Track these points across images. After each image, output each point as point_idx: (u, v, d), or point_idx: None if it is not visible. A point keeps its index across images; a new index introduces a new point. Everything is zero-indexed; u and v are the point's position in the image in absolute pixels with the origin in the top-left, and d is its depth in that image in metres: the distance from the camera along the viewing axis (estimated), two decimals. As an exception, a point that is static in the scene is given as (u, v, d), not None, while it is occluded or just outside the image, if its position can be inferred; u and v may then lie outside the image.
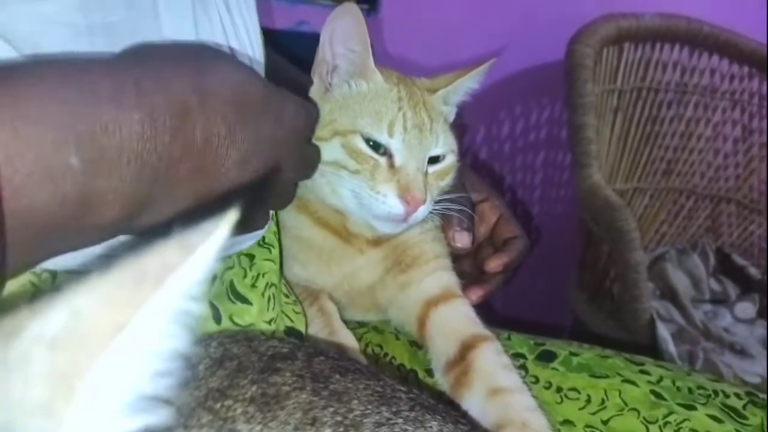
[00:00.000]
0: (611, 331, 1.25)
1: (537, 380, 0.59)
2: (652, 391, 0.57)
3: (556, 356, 0.61)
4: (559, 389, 0.58)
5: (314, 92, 0.59)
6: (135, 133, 0.33)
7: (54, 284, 0.42)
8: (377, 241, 0.62)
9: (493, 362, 0.56)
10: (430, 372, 0.60)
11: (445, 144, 0.61)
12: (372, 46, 0.58)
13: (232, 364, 0.39)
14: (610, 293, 1.26)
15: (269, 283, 0.56)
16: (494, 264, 0.64)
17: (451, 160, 0.62)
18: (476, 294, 0.64)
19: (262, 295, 0.54)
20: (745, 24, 1.42)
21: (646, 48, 1.43)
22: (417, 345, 0.63)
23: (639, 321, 1.16)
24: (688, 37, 1.41)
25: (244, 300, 0.53)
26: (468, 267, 0.68)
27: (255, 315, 0.53)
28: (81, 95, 0.32)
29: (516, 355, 0.61)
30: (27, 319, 0.18)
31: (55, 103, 0.30)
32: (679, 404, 0.56)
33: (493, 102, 1.51)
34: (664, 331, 1.16)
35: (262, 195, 0.45)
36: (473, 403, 0.54)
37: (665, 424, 0.54)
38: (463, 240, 0.63)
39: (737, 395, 0.58)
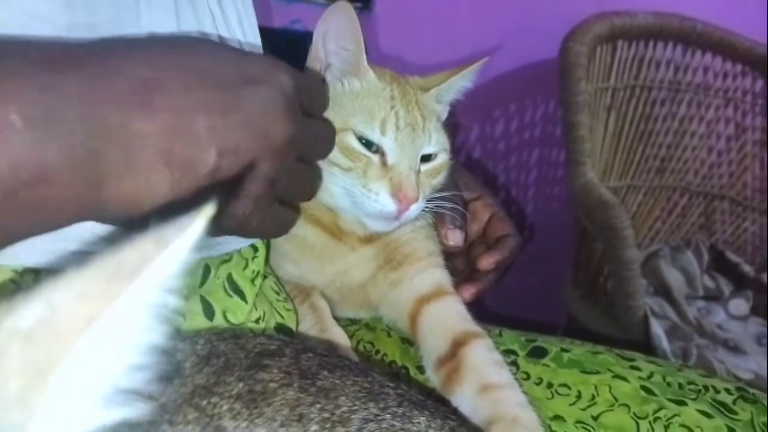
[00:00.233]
0: (605, 328, 1.25)
1: (528, 376, 0.59)
2: (643, 387, 0.57)
3: (547, 352, 0.61)
4: (549, 385, 0.58)
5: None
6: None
7: (36, 283, 0.41)
8: (369, 239, 0.62)
9: (484, 359, 0.56)
10: (421, 369, 0.60)
11: (437, 142, 0.61)
12: (365, 45, 0.58)
13: (218, 361, 0.39)
14: (604, 290, 1.27)
15: (260, 277, 0.56)
16: (486, 262, 0.64)
17: (443, 158, 0.62)
18: (469, 292, 0.64)
19: (256, 294, 0.54)
20: (741, 22, 1.42)
21: (640, 46, 1.43)
22: (408, 342, 0.63)
23: (633, 318, 1.17)
24: (681, 35, 1.42)
25: (241, 295, 0.53)
26: (460, 265, 0.68)
27: (246, 313, 0.53)
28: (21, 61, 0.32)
29: (507, 352, 0.61)
30: (4, 313, 0.18)
31: None
32: (669, 400, 0.56)
33: (487, 100, 1.51)
34: (657, 328, 1.17)
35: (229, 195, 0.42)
36: (464, 399, 0.54)
37: (655, 419, 0.54)
38: (455, 238, 0.64)
39: (727, 390, 0.59)
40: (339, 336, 0.59)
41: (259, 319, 0.54)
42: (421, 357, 0.59)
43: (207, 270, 0.51)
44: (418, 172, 0.59)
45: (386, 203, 0.56)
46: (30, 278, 0.41)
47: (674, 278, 1.37)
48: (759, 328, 1.31)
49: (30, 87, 0.32)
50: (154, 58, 0.36)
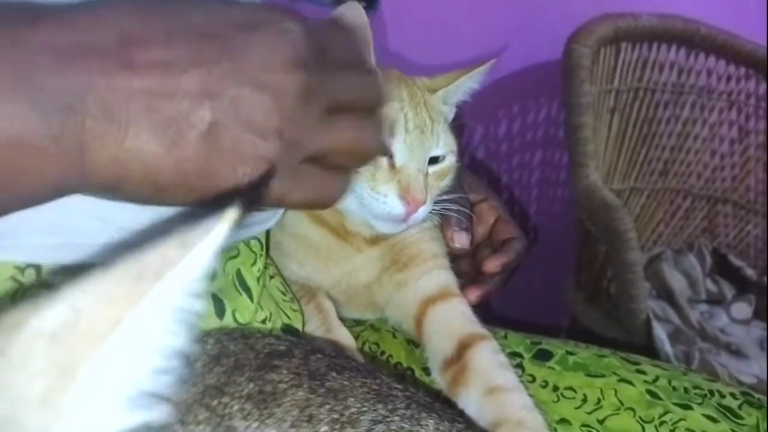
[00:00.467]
0: (608, 330, 1.25)
1: (533, 379, 0.59)
2: (648, 391, 0.57)
3: (553, 355, 0.61)
4: (555, 388, 0.58)
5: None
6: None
7: (39, 279, 0.41)
8: (375, 240, 0.62)
9: (490, 361, 0.56)
10: (427, 370, 0.60)
11: (445, 144, 0.61)
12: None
13: (229, 361, 0.39)
14: (607, 293, 1.27)
15: (263, 277, 0.56)
16: (492, 265, 0.65)
17: (450, 160, 0.62)
18: (474, 294, 0.64)
19: (260, 294, 0.54)
20: (743, 24, 1.42)
21: (643, 48, 1.43)
22: (414, 343, 0.63)
23: (635, 321, 1.17)
24: (685, 37, 1.42)
25: (249, 293, 0.53)
26: (466, 267, 0.68)
27: (252, 312, 0.52)
28: None
29: (512, 354, 0.61)
30: (28, 314, 0.18)
31: None
32: (675, 404, 0.56)
33: (491, 101, 1.51)
34: (660, 331, 1.17)
35: None
36: (470, 401, 0.54)
37: (661, 423, 0.54)
38: (461, 240, 0.64)
39: (733, 395, 0.59)
40: (344, 337, 0.59)
41: (265, 319, 0.54)
42: (426, 359, 0.60)
43: (215, 270, 0.51)
44: (426, 174, 0.59)
45: (394, 205, 0.56)
46: (32, 274, 0.41)
47: (677, 281, 1.37)
48: (761, 332, 1.31)
49: None
50: (133, 9, 0.33)
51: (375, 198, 0.56)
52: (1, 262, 0.40)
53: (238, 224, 0.19)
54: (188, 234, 0.19)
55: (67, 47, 0.30)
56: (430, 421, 0.41)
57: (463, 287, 0.64)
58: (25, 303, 0.19)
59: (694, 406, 0.56)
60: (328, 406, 0.38)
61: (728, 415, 0.56)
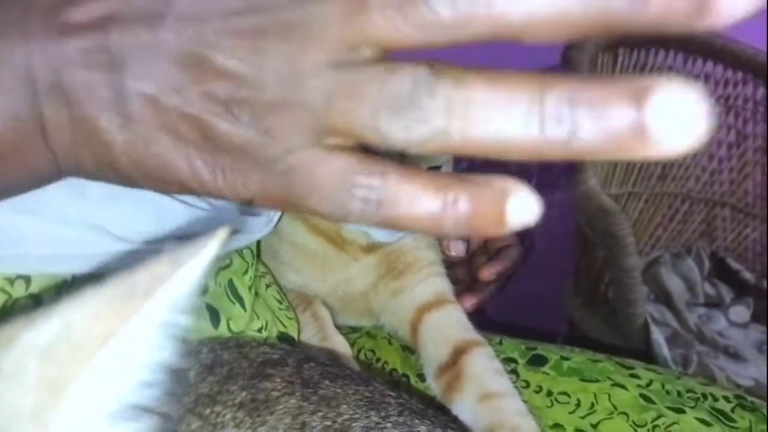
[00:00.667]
0: (606, 335, 1.25)
1: (528, 385, 0.60)
2: (642, 395, 0.58)
3: (547, 360, 0.62)
4: (549, 393, 0.59)
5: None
6: None
7: (28, 290, 0.41)
8: (371, 248, 0.63)
9: (484, 367, 0.57)
10: (422, 377, 0.60)
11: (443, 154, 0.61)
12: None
13: (222, 370, 0.40)
14: (605, 298, 1.27)
15: (254, 286, 0.56)
16: (488, 273, 0.65)
17: (448, 169, 0.62)
18: (470, 302, 0.65)
19: (252, 303, 0.55)
20: (741, 30, 1.43)
21: (641, 54, 1.44)
22: (410, 350, 0.64)
23: (633, 325, 1.17)
24: (682, 43, 1.42)
25: (241, 302, 0.53)
26: (462, 274, 0.68)
27: (246, 322, 0.53)
28: None
29: (507, 360, 0.62)
30: (22, 328, 0.19)
31: None
32: (668, 408, 0.57)
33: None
34: (658, 335, 1.17)
35: None
36: (464, 407, 0.55)
37: (654, 427, 0.55)
38: (457, 248, 0.65)
39: (726, 398, 0.59)
40: (340, 344, 0.60)
41: (261, 328, 0.54)
42: (421, 365, 0.60)
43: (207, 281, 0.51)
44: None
45: None
46: (21, 286, 0.41)
47: (675, 285, 1.37)
48: (759, 335, 1.31)
49: None
50: None
51: None
52: None
53: (228, 243, 0.20)
54: (178, 252, 0.19)
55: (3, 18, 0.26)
56: (423, 427, 0.41)
57: (459, 294, 0.64)
58: (19, 317, 0.19)
59: (687, 409, 0.57)
60: (320, 414, 0.38)
61: (721, 418, 0.56)
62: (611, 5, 0.21)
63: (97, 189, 0.39)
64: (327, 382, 0.41)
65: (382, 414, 0.41)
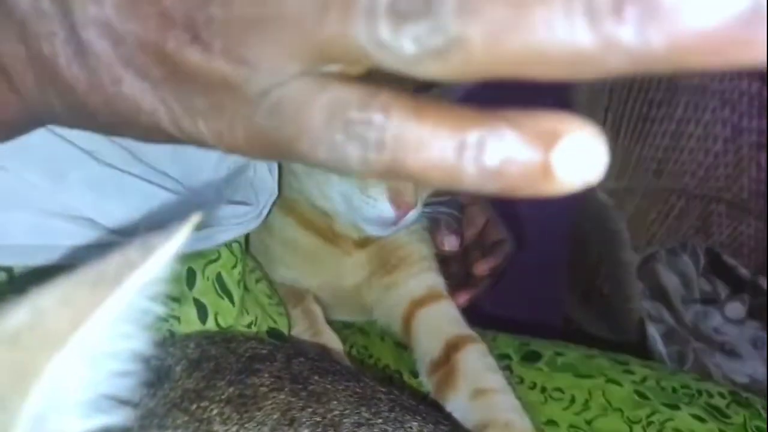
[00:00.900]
0: (602, 331, 1.25)
1: (522, 381, 0.59)
2: (636, 391, 0.57)
3: (541, 356, 0.61)
4: (543, 389, 0.58)
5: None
6: None
7: (11, 282, 0.40)
8: (363, 243, 0.62)
9: (477, 363, 0.56)
10: (415, 373, 0.60)
11: None
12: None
13: (209, 365, 0.39)
14: (601, 293, 1.27)
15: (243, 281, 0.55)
16: (482, 268, 0.65)
17: None
18: (463, 297, 0.64)
19: (241, 297, 0.54)
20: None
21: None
22: (402, 346, 0.63)
23: (629, 321, 1.17)
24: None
25: (230, 296, 0.52)
26: (455, 269, 0.68)
27: (234, 316, 0.52)
28: None
29: (501, 356, 0.61)
30: (-5, 317, 0.18)
31: None
32: (662, 404, 0.56)
33: (482, 102, 1.51)
34: (654, 331, 1.17)
35: None
36: (457, 404, 0.54)
37: (648, 423, 0.54)
38: (451, 243, 0.64)
39: (721, 394, 0.59)
40: (332, 340, 0.59)
41: (251, 323, 0.54)
42: (414, 361, 0.60)
43: (192, 273, 0.50)
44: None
45: (385, 209, 0.56)
46: (3, 277, 0.40)
47: (671, 281, 1.37)
48: (755, 331, 1.31)
49: None
50: None
51: (365, 201, 0.56)
52: None
53: (200, 227, 0.19)
54: (150, 238, 0.19)
55: None
56: (414, 423, 0.41)
57: (453, 289, 0.64)
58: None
59: (682, 405, 0.56)
60: (310, 410, 0.38)
61: (716, 414, 0.56)
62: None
63: (79, 175, 0.39)
64: (317, 377, 0.40)
65: (373, 410, 0.40)
